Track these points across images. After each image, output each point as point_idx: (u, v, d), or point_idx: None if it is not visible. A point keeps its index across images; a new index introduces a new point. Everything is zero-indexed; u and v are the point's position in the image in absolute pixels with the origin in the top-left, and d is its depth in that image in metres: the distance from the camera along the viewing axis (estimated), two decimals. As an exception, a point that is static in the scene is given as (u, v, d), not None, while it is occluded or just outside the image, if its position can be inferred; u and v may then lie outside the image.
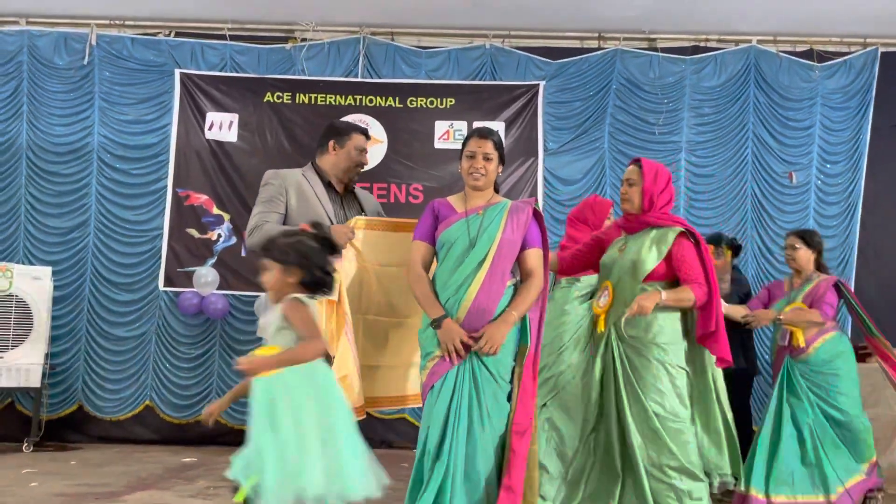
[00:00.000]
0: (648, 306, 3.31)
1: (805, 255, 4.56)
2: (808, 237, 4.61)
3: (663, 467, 3.26)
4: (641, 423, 3.31)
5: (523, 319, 3.22)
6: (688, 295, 3.37)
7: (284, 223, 3.49)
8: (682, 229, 3.44)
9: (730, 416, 3.48)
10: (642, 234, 3.50)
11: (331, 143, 3.66)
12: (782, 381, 4.44)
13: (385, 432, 6.44)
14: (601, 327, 3.49)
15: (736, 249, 5.08)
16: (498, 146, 3.29)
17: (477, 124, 6.38)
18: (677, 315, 3.42)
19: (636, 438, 3.30)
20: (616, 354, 3.41)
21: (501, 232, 3.18)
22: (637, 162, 3.58)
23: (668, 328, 3.39)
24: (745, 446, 4.62)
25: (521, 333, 3.22)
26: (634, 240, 3.51)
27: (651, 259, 3.41)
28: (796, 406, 4.37)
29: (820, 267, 4.63)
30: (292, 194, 3.56)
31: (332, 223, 3.48)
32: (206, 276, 6.32)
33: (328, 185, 3.66)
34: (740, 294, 4.98)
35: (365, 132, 3.75)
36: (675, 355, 3.38)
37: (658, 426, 3.28)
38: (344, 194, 3.73)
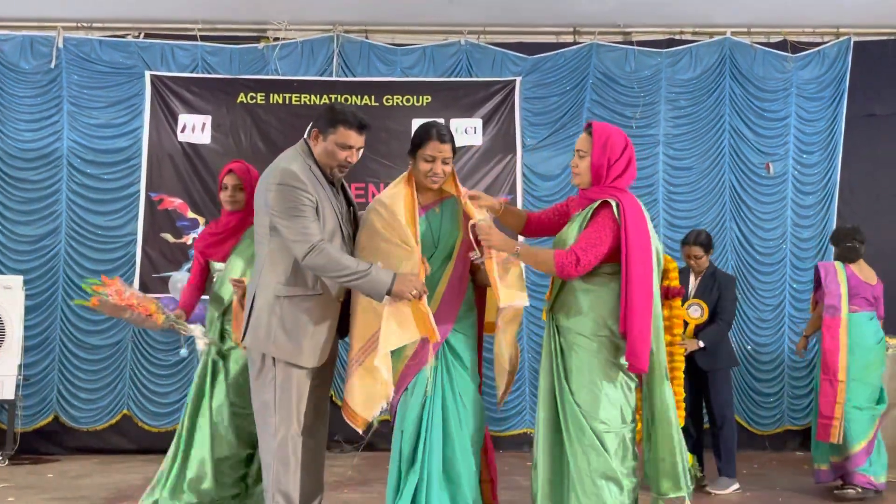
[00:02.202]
0: (493, 239, 3.05)
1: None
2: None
3: (590, 472, 2.94)
4: (570, 421, 2.98)
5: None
6: (546, 256, 2.99)
7: None
8: (607, 200, 2.99)
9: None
10: (584, 212, 3.09)
11: (314, 130, 3.17)
12: None
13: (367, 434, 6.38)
14: (544, 315, 3.22)
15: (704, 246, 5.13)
16: (454, 147, 3.23)
17: (454, 121, 6.35)
18: (609, 303, 2.99)
19: (565, 438, 3.00)
20: (553, 345, 3.09)
21: (462, 229, 3.20)
22: (589, 128, 3.13)
23: (595, 316, 3.00)
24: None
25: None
26: (576, 218, 3.13)
27: (572, 240, 3.03)
28: None
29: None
30: (316, 198, 3.09)
31: (340, 229, 3.14)
32: (182, 280, 6.18)
33: (325, 175, 3.20)
34: (719, 293, 5.02)
35: (357, 124, 3.15)
36: (608, 348, 2.99)
37: (585, 426, 2.95)
38: (334, 184, 3.27)
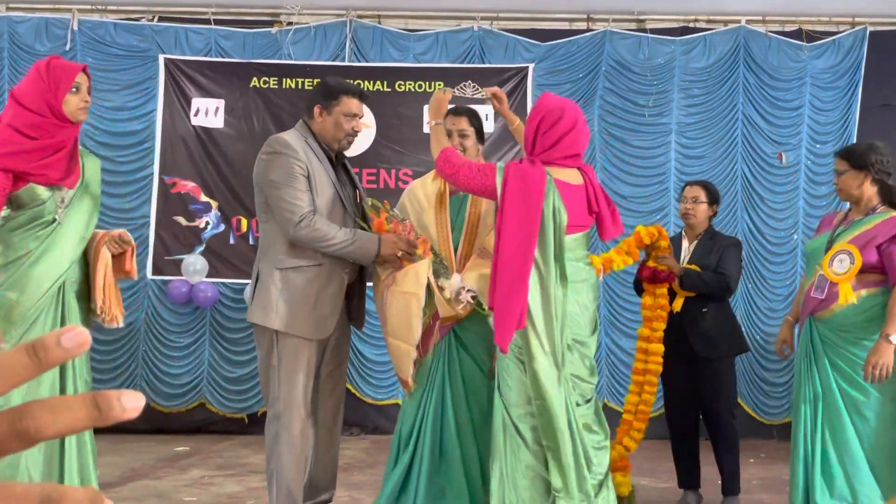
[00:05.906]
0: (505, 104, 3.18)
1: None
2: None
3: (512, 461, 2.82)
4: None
5: None
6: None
7: None
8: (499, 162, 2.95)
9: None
10: None
11: (317, 107, 3.16)
12: (803, 353, 3.27)
13: (377, 418, 6.44)
14: None
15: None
16: (473, 121, 3.28)
17: (466, 108, 6.34)
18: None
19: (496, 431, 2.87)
20: None
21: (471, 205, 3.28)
22: None
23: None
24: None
25: None
26: None
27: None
28: (814, 387, 3.19)
29: (893, 198, 3.15)
30: (307, 166, 3.07)
31: (340, 200, 3.14)
32: (194, 264, 6.26)
33: (326, 154, 3.19)
34: (720, 255, 3.98)
35: (359, 93, 3.19)
36: (521, 337, 2.77)
37: (500, 410, 2.84)
38: (335, 165, 3.23)
